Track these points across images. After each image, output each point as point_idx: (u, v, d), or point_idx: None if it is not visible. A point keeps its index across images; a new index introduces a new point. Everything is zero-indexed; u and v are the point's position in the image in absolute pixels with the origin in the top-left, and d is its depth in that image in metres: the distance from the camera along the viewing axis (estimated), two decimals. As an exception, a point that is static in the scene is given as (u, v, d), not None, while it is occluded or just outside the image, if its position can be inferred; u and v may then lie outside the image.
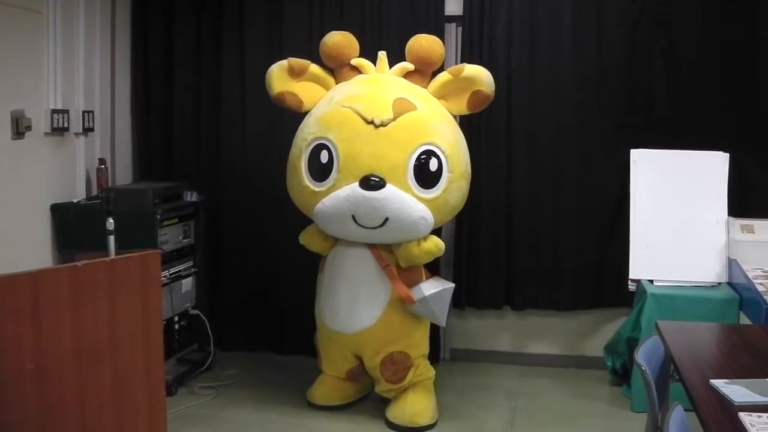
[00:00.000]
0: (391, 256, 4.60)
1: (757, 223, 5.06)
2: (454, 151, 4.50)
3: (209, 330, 5.44)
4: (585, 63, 5.42)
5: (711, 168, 5.13)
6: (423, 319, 4.70)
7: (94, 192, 5.36)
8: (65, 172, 5.18)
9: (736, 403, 2.60)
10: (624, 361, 5.20)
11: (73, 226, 4.97)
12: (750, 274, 4.72)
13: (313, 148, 4.47)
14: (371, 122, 4.34)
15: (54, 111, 4.94)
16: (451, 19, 5.57)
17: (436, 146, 4.41)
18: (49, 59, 4.95)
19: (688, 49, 5.31)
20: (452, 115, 4.68)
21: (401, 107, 4.41)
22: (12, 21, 4.61)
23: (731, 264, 4.98)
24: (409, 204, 4.36)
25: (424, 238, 4.55)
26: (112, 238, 3.38)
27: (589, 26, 5.41)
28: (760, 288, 4.53)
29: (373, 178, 4.30)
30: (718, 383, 2.77)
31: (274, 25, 5.68)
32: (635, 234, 5.13)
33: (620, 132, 5.38)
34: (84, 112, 5.24)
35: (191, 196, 5.35)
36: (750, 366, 3.04)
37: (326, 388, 4.97)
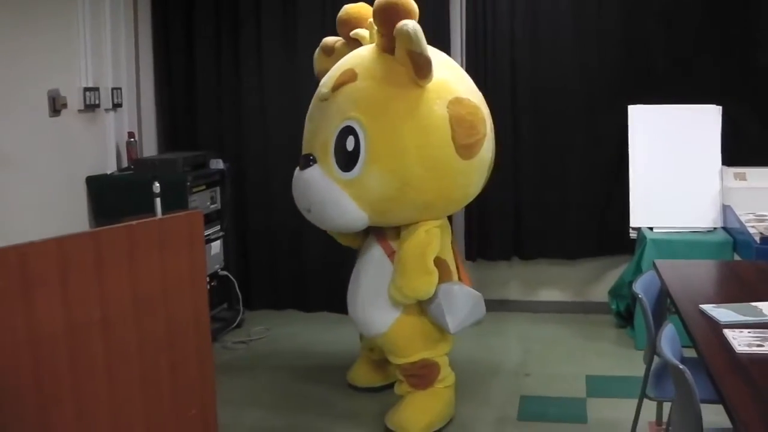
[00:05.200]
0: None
1: (749, 171, 5.38)
2: (381, 131, 3.90)
3: (238, 289, 5.79)
4: (584, 26, 5.68)
5: (705, 120, 5.41)
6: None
7: (125, 164, 5.69)
8: (98, 147, 5.50)
9: (721, 323, 2.94)
10: (627, 304, 5.53)
11: (108, 197, 5.31)
12: (743, 219, 5.03)
13: None
14: (319, 95, 4.18)
15: (86, 89, 5.25)
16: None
17: (357, 122, 3.91)
18: (80, 39, 5.25)
19: (681, 7, 5.57)
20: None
21: (341, 78, 4.05)
22: (45, 4, 4.91)
23: (725, 210, 5.28)
24: (324, 185, 4.00)
25: (417, 229, 4.05)
26: (158, 200, 3.71)
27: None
28: (752, 230, 4.84)
29: (307, 156, 4.06)
30: (707, 307, 3.10)
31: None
32: (635, 185, 5.43)
33: (618, 90, 5.65)
34: (113, 89, 5.55)
35: (217, 164, 5.68)
36: (737, 294, 3.37)
37: (363, 370, 4.82)
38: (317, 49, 4.52)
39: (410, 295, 3.99)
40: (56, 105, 4.98)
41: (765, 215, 5.15)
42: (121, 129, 5.72)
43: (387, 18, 3.82)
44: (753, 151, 5.47)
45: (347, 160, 3.93)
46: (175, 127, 6.21)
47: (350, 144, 3.92)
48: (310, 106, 4.26)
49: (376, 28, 4.00)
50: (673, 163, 5.43)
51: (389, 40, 3.89)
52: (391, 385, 4.53)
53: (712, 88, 5.50)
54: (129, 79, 5.83)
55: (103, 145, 5.55)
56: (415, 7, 3.84)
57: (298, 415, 4.45)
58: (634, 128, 5.48)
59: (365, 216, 4.00)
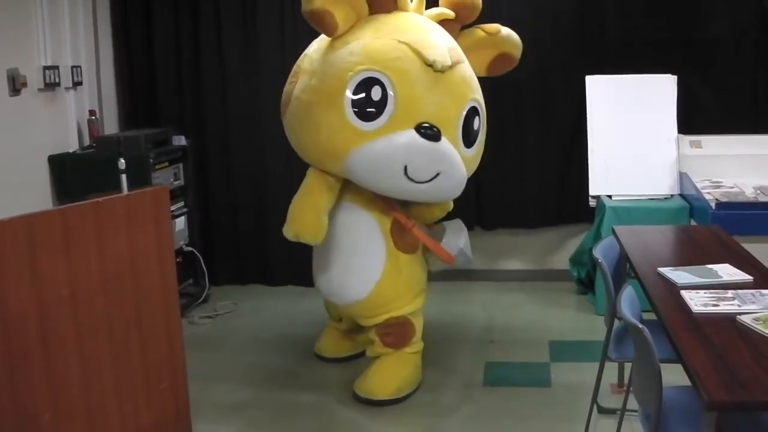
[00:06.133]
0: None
1: (704, 139, 5.49)
2: (484, 110, 4.30)
3: (203, 265, 5.81)
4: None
5: (660, 90, 5.52)
6: (424, 279, 4.42)
7: (87, 142, 5.66)
8: (59, 125, 5.46)
9: (678, 284, 3.04)
10: (588, 271, 5.65)
11: (71, 175, 5.28)
12: (699, 185, 5.16)
13: (363, 82, 3.89)
14: (431, 65, 3.91)
15: (45, 68, 5.21)
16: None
17: (479, 104, 4.20)
18: (38, 17, 5.19)
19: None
20: None
21: (457, 55, 4.09)
22: (0, -18, 4.87)
23: (682, 177, 5.40)
24: (458, 161, 4.03)
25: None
26: (124, 177, 3.73)
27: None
28: (708, 197, 4.96)
29: (430, 127, 3.89)
30: (665, 270, 3.20)
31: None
32: (593, 154, 5.53)
33: (575, 61, 5.74)
34: (72, 67, 5.50)
35: (179, 141, 5.68)
36: (693, 257, 3.48)
37: (331, 340, 4.86)
38: None
39: None
40: (16, 84, 4.94)
41: (720, 182, 5.29)
42: (82, 107, 5.68)
43: (469, 12, 4.31)
44: (708, 120, 5.61)
45: (472, 138, 4.19)
46: (136, 104, 6.18)
47: (476, 124, 4.19)
48: (410, 72, 3.92)
49: (448, 11, 4.28)
50: (631, 132, 5.54)
51: (457, 27, 4.32)
52: (359, 355, 4.61)
53: (667, 59, 5.60)
54: (88, 56, 5.78)
55: (64, 123, 5.51)
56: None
57: (266, 387, 4.51)
58: (591, 98, 5.57)
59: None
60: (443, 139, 3.92)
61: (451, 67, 3.98)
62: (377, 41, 3.95)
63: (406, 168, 3.87)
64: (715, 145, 5.46)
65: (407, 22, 4.11)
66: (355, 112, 3.88)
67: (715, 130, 5.48)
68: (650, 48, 5.65)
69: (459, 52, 4.13)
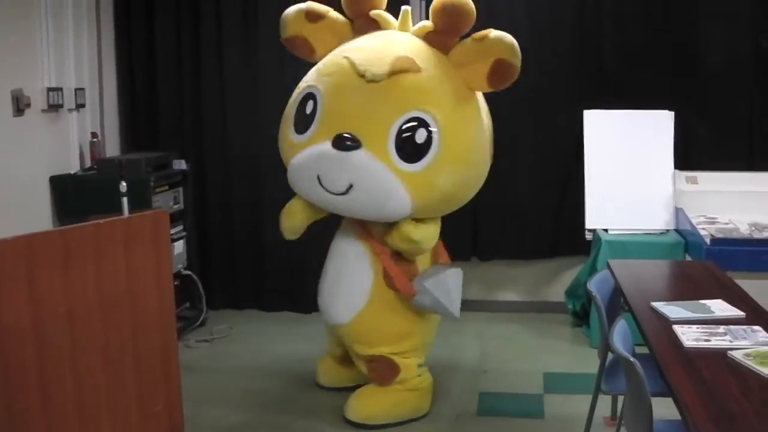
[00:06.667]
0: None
1: (701, 175, 5.54)
2: (453, 127, 3.94)
3: (201, 289, 5.83)
4: (540, 33, 5.78)
5: (658, 125, 5.57)
6: (416, 324, 4.33)
7: (88, 164, 5.71)
8: (61, 146, 5.51)
9: (671, 319, 3.08)
10: (583, 303, 5.67)
11: (71, 196, 5.33)
12: (694, 221, 5.19)
13: (302, 98, 4.09)
14: (362, 75, 3.89)
15: (49, 89, 5.26)
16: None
17: (430, 116, 3.88)
18: (43, 39, 5.26)
19: (634, 16, 5.72)
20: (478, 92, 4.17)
21: (402, 65, 3.90)
22: (7, 4, 4.93)
23: (678, 212, 5.44)
24: (378, 173, 3.87)
25: (413, 223, 4.05)
26: (125, 200, 3.75)
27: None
28: (703, 232, 5.00)
29: (347, 137, 3.85)
30: (658, 305, 3.23)
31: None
32: (590, 187, 5.56)
33: (574, 95, 5.79)
34: (76, 89, 5.56)
35: (180, 165, 5.73)
36: (686, 292, 3.51)
37: (327, 368, 4.82)
38: (293, 10, 4.21)
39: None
40: (20, 105, 5.00)
41: (716, 218, 5.32)
42: (84, 129, 5.73)
43: (455, 20, 3.97)
44: (704, 156, 5.67)
45: (413, 151, 3.89)
46: (138, 127, 6.24)
47: (421, 137, 3.87)
48: (339, 84, 3.99)
49: (428, 22, 4.08)
50: (628, 167, 5.58)
51: (448, 40, 4.02)
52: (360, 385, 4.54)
53: (664, 95, 5.66)
54: (92, 79, 5.84)
55: (66, 144, 5.56)
56: (474, 13, 3.98)
57: (260, 412, 4.52)
58: (589, 132, 5.62)
59: (410, 210, 3.96)
60: (360, 150, 3.86)
61: (389, 76, 3.87)
62: (326, 58, 4.14)
63: (319, 178, 3.96)
64: (711, 181, 5.50)
65: (375, 38, 4.16)
66: (294, 125, 4.10)
67: (711, 166, 5.53)
68: (648, 84, 5.71)
69: (412, 62, 3.92)
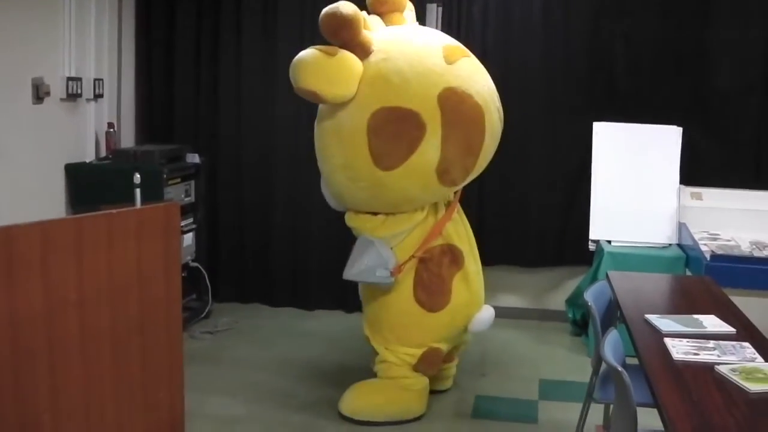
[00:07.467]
0: None
1: (705, 191, 5.62)
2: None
3: (207, 281, 5.93)
4: (553, 44, 5.88)
5: (665, 140, 5.63)
6: (407, 329, 4.44)
7: (103, 153, 5.81)
8: (78, 135, 5.62)
9: (663, 332, 3.15)
10: (583, 313, 5.73)
11: (86, 184, 5.44)
12: (696, 237, 5.25)
13: None
14: None
15: (69, 78, 5.37)
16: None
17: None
18: (65, 29, 5.37)
19: (645, 33, 5.79)
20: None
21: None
22: (32, -6, 5.05)
23: (681, 227, 5.50)
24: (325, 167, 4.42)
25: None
26: (138, 191, 3.85)
27: (557, 8, 5.87)
28: (704, 248, 5.06)
29: None
30: (652, 317, 3.31)
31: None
32: (596, 198, 5.63)
33: (583, 106, 5.85)
34: (95, 79, 5.68)
35: (193, 158, 5.82)
36: (681, 306, 3.60)
37: None
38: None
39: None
40: (39, 92, 5.10)
41: (718, 234, 5.39)
42: (101, 119, 5.84)
43: (326, 32, 4.03)
44: (710, 172, 5.72)
45: None
46: (153, 119, 6.34)
47: None
48: None
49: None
50: (634, 180, 5.65)
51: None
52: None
53: (673, 110, 5.72)
54: (111, 70, 5.95)
55: (83, 133, 5.67)
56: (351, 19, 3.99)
57: (260, 404, 4.60)
58: (597, 144, 5.69)
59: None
60: None
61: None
62: None
63: None
64: (716, 197, 5.58)
65: None
66: None
67: (716, 183, 5.61)
68: (658, 99, 5.77)
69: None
